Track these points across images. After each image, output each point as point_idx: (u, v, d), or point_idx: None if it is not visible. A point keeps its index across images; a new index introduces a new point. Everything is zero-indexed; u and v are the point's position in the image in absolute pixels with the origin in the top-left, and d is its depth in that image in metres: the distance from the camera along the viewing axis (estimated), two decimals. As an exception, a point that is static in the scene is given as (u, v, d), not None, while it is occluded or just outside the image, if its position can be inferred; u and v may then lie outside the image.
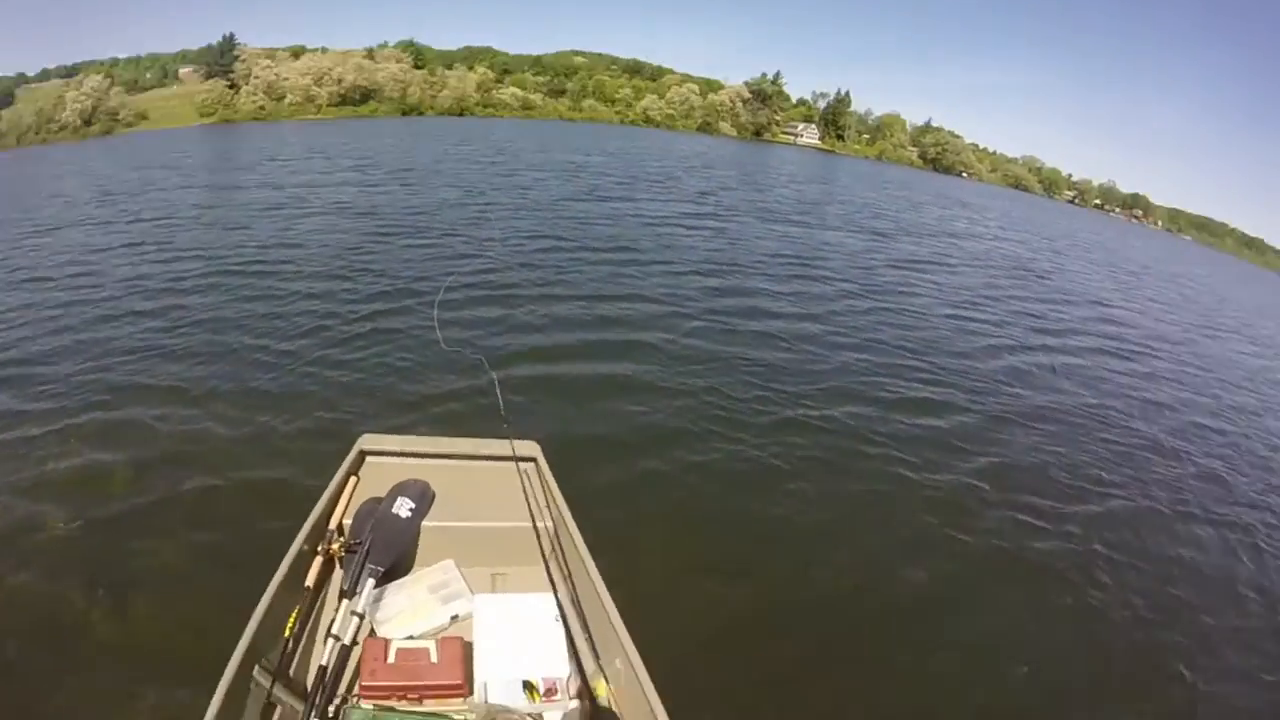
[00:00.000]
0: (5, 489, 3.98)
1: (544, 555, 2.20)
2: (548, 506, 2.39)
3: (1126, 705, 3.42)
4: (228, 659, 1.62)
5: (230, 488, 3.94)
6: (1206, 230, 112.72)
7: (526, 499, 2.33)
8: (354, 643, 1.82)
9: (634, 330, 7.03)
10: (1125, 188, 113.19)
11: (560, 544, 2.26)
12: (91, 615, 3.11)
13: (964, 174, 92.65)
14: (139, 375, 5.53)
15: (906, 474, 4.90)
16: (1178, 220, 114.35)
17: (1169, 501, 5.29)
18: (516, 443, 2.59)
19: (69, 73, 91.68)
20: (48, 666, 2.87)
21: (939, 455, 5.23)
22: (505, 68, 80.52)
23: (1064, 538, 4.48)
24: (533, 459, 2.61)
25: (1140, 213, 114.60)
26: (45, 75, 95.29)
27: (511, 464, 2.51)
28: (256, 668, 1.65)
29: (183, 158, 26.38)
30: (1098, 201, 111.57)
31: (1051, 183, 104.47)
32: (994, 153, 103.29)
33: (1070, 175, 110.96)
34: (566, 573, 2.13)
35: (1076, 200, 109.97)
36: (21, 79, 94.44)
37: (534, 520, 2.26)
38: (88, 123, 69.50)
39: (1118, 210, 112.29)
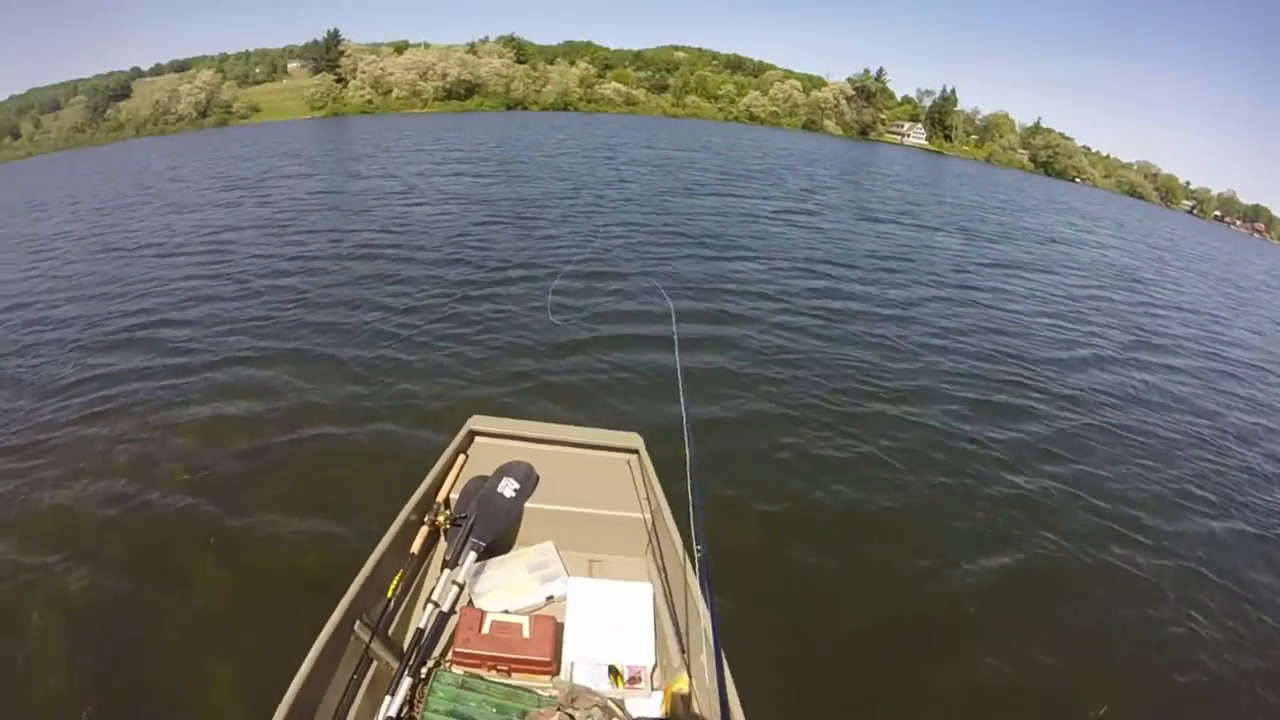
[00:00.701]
0: (135, 437, 4.22)
1: (641, 546, 2.39)
2: (647, 499, 2.46)
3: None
4: (330, 612, 1.75)
5: (343, 454, 4.04)
6: None
7: (627, 489, 2.50)
8: (452, 610, 1.90)
9: (730, 324, 7.05)
10: (1246, 198, 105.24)
11: (657, 536, 2.32)
12: (205, 560, 3.27)
13: (1077, 179, 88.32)
14: (266, 342, 5.78)
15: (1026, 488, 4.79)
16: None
17: (1262, 527, 4.96)
18: (620, 434, 2.78)
19: (181, 67, 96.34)
20: (158, 603, 3.04)
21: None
22: (606, 63, 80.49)
23: (1150, 552, 4.35)
24: (635, 451, 2.68)
25: (1263, 226, 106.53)
26: (159, 70, 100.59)
27: (615, 454, 2.69)
28: (358, 623, 1.77)
29: (302, 147, 27.89)
30: (1217, 213, 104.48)
31: (1168, 191, 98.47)
32: (1107, 157, 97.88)
33: (1188, 183, 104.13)
34: (661, 565, 2.23)
35: (1195, 211, 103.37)
36: (136, 73, 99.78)
37: (633, 511, 2.41)
38: (203, 114, 70.94)
39: (1238, 223, 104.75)
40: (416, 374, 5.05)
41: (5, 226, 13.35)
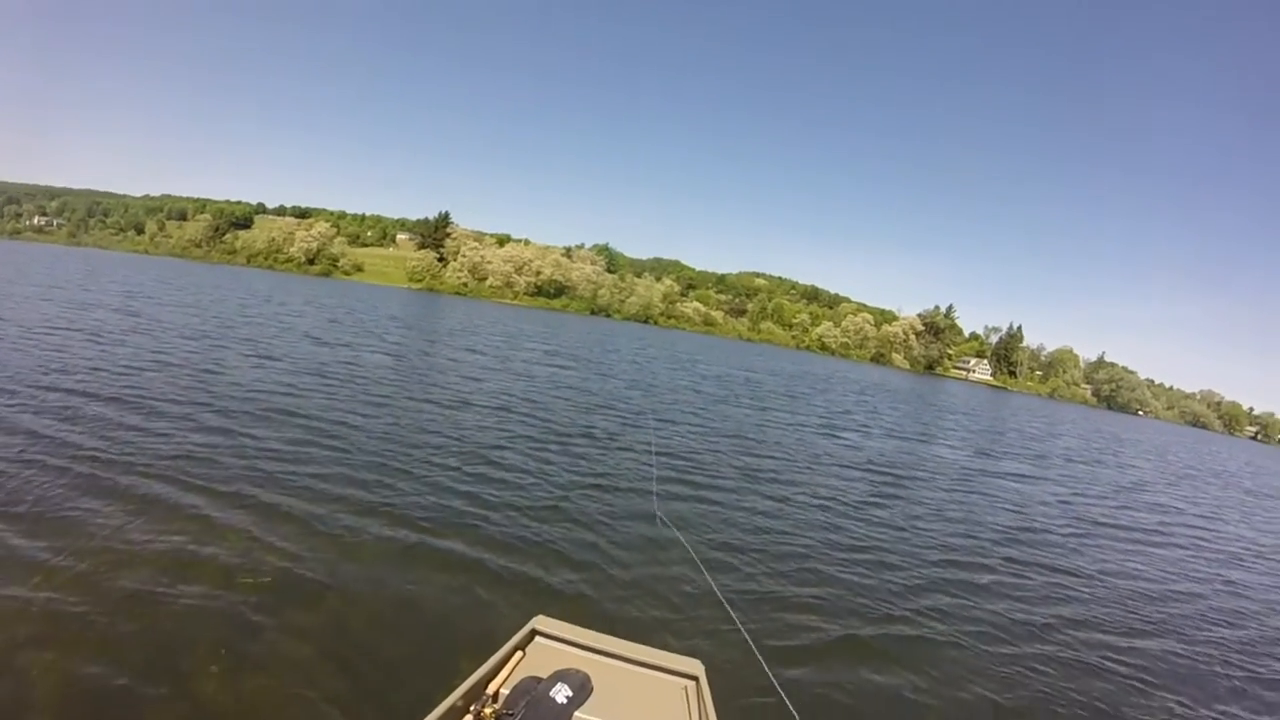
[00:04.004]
0: (160, 553, 4.09)
1: None
2: None
3: None
4: None
5: (396, 622, 3.82)
6: None
7: (681, 715, 2.32)
8: None
9: (787, 526, 6.96)
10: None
11: None
12: (209, 674, 3.08)
13: (1140, 411, 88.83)
14: (338, 489, 5.72)
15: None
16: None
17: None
18: (682, 658, 2.64)
19: (302, 213, 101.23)
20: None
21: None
22: (690, 282, 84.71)
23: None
24: (695, 678, 2.54)
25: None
26: (281, 210, 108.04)
27: (674, 678, 2.54)
28: None
29: (402, 313, 30.74)
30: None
31: (1232, 418, 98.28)
32: (1170, 388, 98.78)
33: (1252, 409, 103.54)
34: None
35: (1259, 436, 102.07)
36: (260, 208, 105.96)
37: None
38: (311, 261, 72.97)
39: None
40: (482, 561, 4.84)
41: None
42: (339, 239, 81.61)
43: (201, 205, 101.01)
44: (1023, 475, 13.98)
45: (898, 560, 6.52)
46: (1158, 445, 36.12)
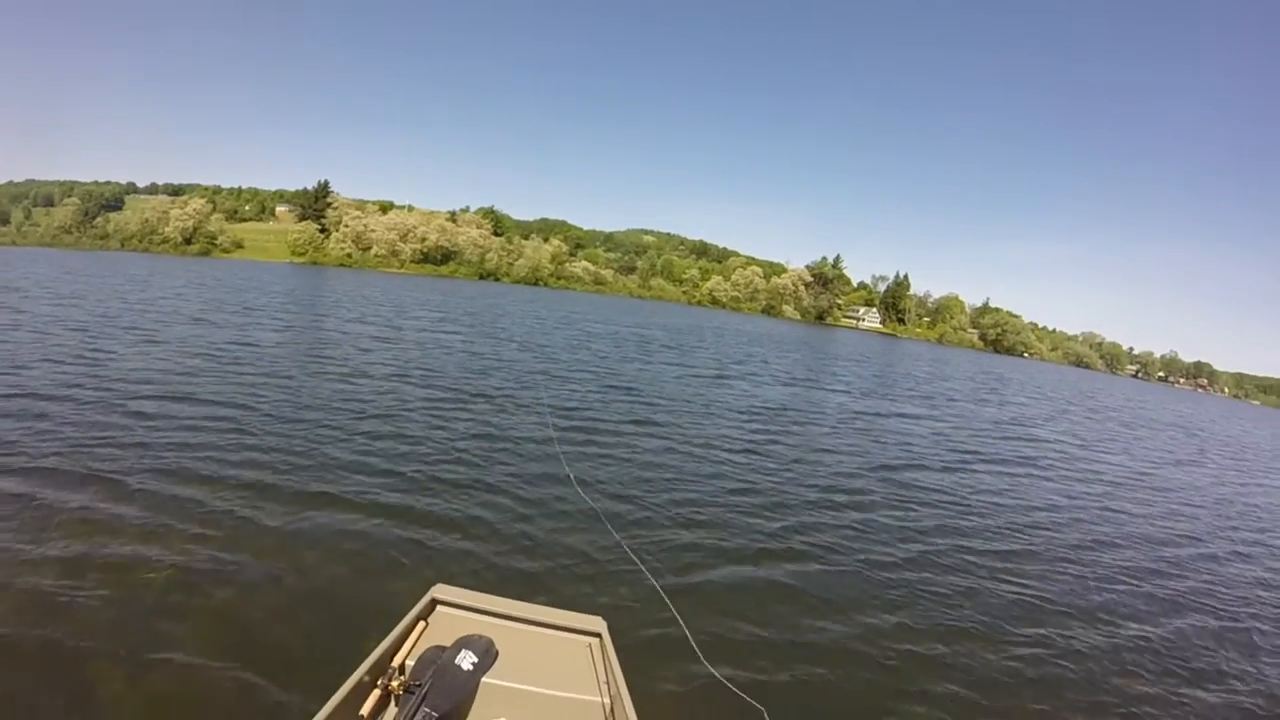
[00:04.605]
0: (53, 553, 3.97)
1: None
2: (607, 683, 2.38)
3: None
4: None
5: (295, 605, 3.76)
6: (1273, 392, 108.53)
7: (587, 673, 2.41)
8: None
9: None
10: (1188, 356, 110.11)
11: None
12: (114, 678, 3.01)
13: (1025, 354, 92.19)
14: (235, 471, 5.62)
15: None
16: (1244, 385, 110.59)
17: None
18: (584, 616, 2.70)
19: (175, 191, 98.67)
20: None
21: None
22: (579, 242, 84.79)
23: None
24: (598, 634, 2.63)
25: (1205, 381, 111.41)
26: (154, 189, 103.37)
27: (577, 636, 2.62)
28: None
29: (285, 289, 29.40)
30: (1161, 374, 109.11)
31: (1113, 358, 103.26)
32: (1054, 331, 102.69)
33: (1131, 348, 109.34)
34: None
35: (1140, 374, 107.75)
36: (131, 187, 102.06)
37: (591, 694, 2.32)
38: (188, 241, 72.66)
39: (1182, 380, 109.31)
40: (378, 535, 4.66)
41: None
42: (216, 215, 78.96)
43: (69, 189, 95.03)
44: (907, 415, 14.98)
45: (790, 499, 6.95)
46: (1038, 384, 38.18)
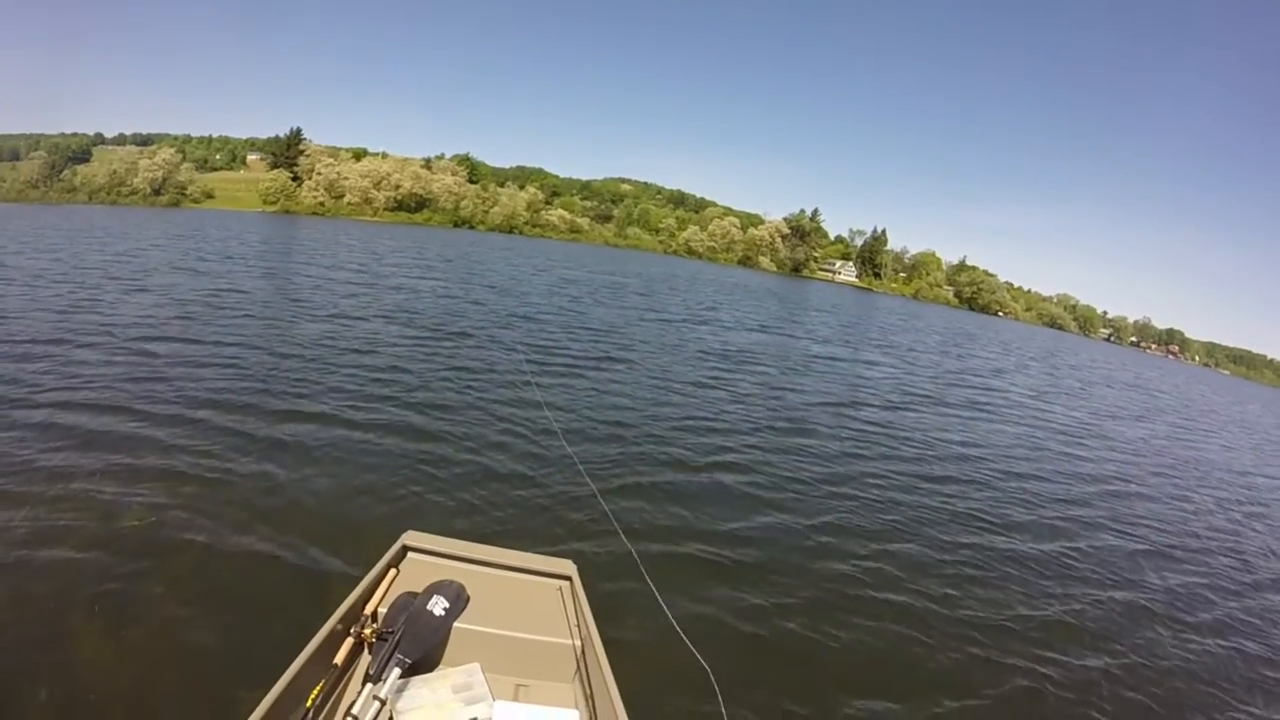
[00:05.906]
0: (24, 521, 3.87)
1: (569, 673, 2.33)
2: (578, 625, 2.42)
3: None
4: (241, 717, 1.64)
5: (269, 555, 3.75)
6: (1243, 363, 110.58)
7: (558, 615, 2.47)
8: None
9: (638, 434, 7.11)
10: (1160, 323, 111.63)
11: (586, 664, 2.30)
12: (91, 629, 3.03)
13: (1000, 313, 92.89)
14: (203, 420, 5.59)
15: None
16: (1214, 354, 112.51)
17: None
18: (554, 560, 2.79)
19: (144, 141, 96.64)
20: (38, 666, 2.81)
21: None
22: (555, 190, 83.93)
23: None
24: (568, 578, 2.68)
25: (1176, 348, 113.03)
26: (121, 140, 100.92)
27: (547, 579, 2.68)
28: None
29: (258, 237, 29.16)
30: (1134, 339, 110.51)
31: (1087, 320, 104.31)
32: (1029, 291, 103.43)
33: (1105, 312, 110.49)
34: (589, 693, 2.22)
35: (1112, 338, 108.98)
36: (99, 139, 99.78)
37: (562, 637, 2.37)
38: (157, 192, 71.29)
39: (1154, 346, 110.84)
40: (349, 482, 4.67)
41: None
42: (186, 165, 77.38)
43: (35, 142, 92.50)
44: (871, 362, 16.35)
45: (748, 439, 7.42)
46: (1005, 340, 40.16)
